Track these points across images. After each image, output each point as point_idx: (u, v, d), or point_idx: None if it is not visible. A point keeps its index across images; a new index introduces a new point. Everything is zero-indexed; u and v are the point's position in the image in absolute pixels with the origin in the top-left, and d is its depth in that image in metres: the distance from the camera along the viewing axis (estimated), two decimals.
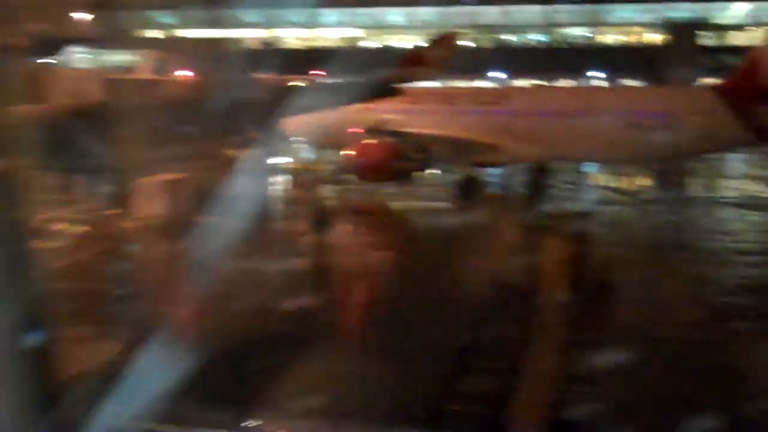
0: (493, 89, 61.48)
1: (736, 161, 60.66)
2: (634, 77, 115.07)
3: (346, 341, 21.88)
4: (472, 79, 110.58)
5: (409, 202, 43.59)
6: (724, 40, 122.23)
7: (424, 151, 44.02)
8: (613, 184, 51.64)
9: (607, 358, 19.73)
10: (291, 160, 56.19)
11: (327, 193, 46.85)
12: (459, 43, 55.92)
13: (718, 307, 24.76)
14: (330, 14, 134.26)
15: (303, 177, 52.75)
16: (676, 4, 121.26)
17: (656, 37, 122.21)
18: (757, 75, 40.00)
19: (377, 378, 18.61)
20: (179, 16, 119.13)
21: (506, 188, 50.20)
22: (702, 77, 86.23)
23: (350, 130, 43.90)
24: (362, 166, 43.00)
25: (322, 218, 31.38)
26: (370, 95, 42.17)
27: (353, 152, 43.09)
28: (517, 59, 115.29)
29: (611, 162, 51.72)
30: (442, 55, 50.36)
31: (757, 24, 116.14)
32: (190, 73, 44.72)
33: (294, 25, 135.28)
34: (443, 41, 53.18)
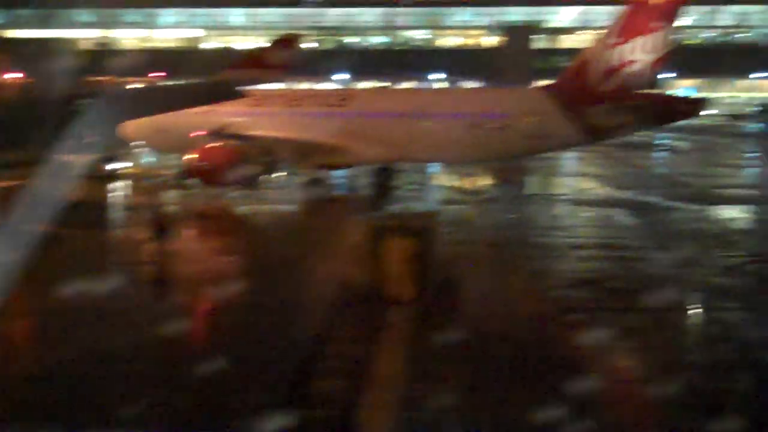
0: (337, 91, 61.60)
1: (570, 159, 63.52)
2: (473, 79, 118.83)
3: (190, 348, 21.41)
4: (315, 81, 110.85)
5: (254, 206, 43.06)
6: (556, 43, 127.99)
7: (269, 155, 43.63)
8: (456, 184, 52.97)
9: (451, 355, 20.18)
10: (131, 165, 54.63)
11: (169, 198, 45.75)
12: (301, 44, 55.74)
13: (553, 300, 25.74)
14: (169, 14, 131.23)
15: (144, 182, 51.36)
16: (510, 8, 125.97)
17: (493, 40, 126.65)
18: (585, 76, 41.94)
19: (220, 384, 18.29)
20: (6, 15, 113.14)
21: (352, 189, 50.51)
22: (537, 79, 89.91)
23: (193, 133, 42.97)
24: (205, 171, 42.12)
25: (163, 225, 30.51)
26: (212, 97, 41.36)
27: (196, 156, 42.19)
28: (360, 61, 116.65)
29: (454, 162, 53.07)
30: (284, 57, 50.08)
31: (587, 27, 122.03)
32: (20, 75, 42.62)
33: (131, 25, 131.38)
34: (285, 43, 52.85)
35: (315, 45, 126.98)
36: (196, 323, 24.12)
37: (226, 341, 22.01)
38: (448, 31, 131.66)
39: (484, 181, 54.14)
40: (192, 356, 20.29)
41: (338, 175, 52.98)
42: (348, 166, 48.56)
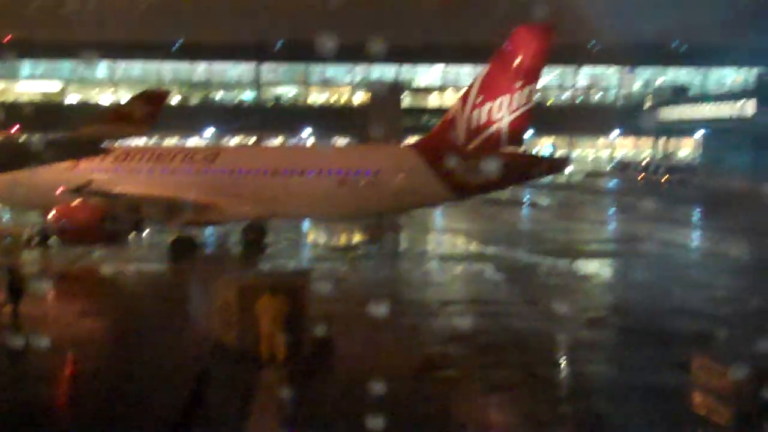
0: (204, 148, 61.27)
1: (439, 215, 64.85)
2: (342, 135, 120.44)
3: (53, 415, 20.44)
4: (181, 136, 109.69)
5: (119, 265, 41.87)
6: (425, 101, 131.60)
7: (135, 212, 42.72)
8: (327, 241, 53.13)
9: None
10: None
11: (28, 258, 43.95)
12: (167, 99, 55.13)
13: (425, 357, 25.99)
14: (28, 65, 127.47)
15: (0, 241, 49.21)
16: (379, 65, 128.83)
17: (362, 97, 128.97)
18: (451, 134, 43.09)
19: None
20: None
21: (222, 247, 49.94)
22: (405, 137, 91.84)
23: (55, 190, 41.71)
24: (66, 229, 40.87)
25: (18, 286, 29.07)
26: (73, 153, 40.25)
27: (56, 214, 40.87)
28: (228, 117, 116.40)
29: (324, 218, 53.35)
30: (149, 112, 49.39)
31: (455, 85, 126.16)
32: None
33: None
34: (150, 97, 52.09)
35: (181, 100, 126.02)
36: (53, 391, 23.03)
37: (89, 409, 21.11)
38: (317, 88, 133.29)
39: (355, 238, 54.53)
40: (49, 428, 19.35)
41: (208, 233, 52.31)
42: (218, 223, 48.03)
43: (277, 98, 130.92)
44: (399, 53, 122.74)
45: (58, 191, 41.43)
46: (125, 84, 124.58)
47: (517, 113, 42.08)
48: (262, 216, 46.40)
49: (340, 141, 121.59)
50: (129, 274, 40.29)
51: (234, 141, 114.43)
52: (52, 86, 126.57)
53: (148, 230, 50.30)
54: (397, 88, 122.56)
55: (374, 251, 48.80)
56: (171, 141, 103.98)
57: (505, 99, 41.93)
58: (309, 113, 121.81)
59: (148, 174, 46.84)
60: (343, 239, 53.63)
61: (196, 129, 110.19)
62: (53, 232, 42.16)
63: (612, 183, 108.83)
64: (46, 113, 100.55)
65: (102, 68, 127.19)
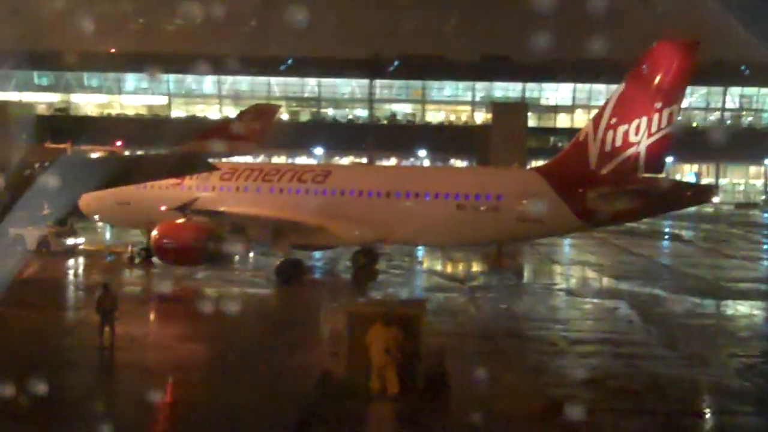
0: (315, 166, 62.37)
1: (566, 246, 64.04)
2: (461, 157, 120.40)
3: None
4: (291, 154, 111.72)
5: (224, 288, 42.89)
6: (552, 121, 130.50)
7: (241, 233, 43.76)
8: (443, 269, 53.17)
9: None
10: (82, 240, 54.55)
11: (130, 278, 45.60)
12: (276, 115, 56.35)
13: (551, 400, 25.60)
14: (132, 79, 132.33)
15: (102, 260, 51.24)
16: (502, 83, 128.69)
17: (483, 116, 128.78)
18: (582, 157, 42.49)
19: None
20: None
21: (331, 273, 50.62)
22: (530, 158, 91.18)
23: (158, 208, 43.22)
24: (170, 249, 42.12)
25: (111, 306, 30.02)
26: (179, 170, 41.67)
27: (159, 232, 42.23)
28: (339, 135, 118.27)
29: (441, 245, 53.42)
30: (257, 128, 50.58)
31: (585, 106, 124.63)
32: None
33: (92, 89, 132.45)
34: (258, 112, 53.40)
35: (291, 116, 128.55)
36: (157, 420, 23.72)
37: None
38: (435, 106, 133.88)
39: (474, 267, 54.39)
40: None
41: (316, 257, 53.11)
42: (327, 247, 48.70)
43: (392, 115, 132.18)
44: (524, 71, 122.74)
45: (162, 209, 42.92)
46: (232, 99, 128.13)
47: (656, 137, 41.17)
48: (373, 240, 46.80)
49: (459, 163, 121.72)
50: (233, 297, 41.16)
51: (345, 160, 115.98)
52: (157, 101, 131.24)
53: (253, 252, 51.50)
54: (521, 107, 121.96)
55: (495, 282, 48.56)
56: (280, 159, 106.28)
57: (642, 121, 41.11)
58: (425, 132, 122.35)
59: (255, 193, 47.89)
60: (460, 268, 53.57)
61: (306, 147, 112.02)
62: (156, 251, 43.47)
63: (767, 215, 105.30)
64: (150, 128, 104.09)
65: (209, 82, 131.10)
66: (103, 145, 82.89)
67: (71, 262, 50.48)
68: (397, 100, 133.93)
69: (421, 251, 57.57)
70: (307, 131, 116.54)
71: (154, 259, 45.90)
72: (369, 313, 25.60)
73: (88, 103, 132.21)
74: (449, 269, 53.21)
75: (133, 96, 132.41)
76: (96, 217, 52.95)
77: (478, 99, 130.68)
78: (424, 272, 52.34)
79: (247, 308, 38.07)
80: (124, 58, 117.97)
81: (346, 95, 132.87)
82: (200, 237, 41.75)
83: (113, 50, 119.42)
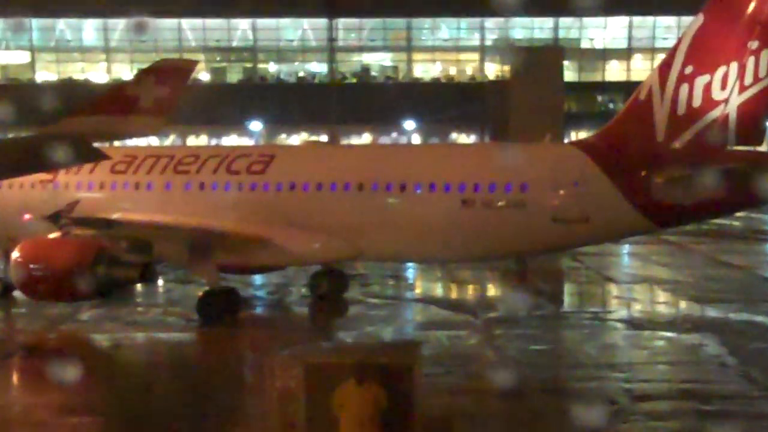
0: (251, 149, 61.85)
1: (625, 255, 64.14)
2: (466, 129, 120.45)
3: None
4: (214, 133, 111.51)
5: (122, 333, 42.76)
6: (599, 73, 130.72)
7: (144, 250, 43.51)
8: (444, 295, 53.16)
9: None
10: None
11: None
12: (191, 75, 55.88)
13: None
14: None
15: None
16: (524, 19, 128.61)
17: (497, 69, 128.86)
18: (645, 125, 42.43)
19: None
20: None
21: (278, 305, 50.62)
22: (569, 128, 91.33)
23: (20, 218, 42.99)
24: (38, 278, 41.74)
25: None
26: (49, 160, 41.35)
27: (23, 253, 41.90)
28: (286, 101, 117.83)
29: (440, 260, 53.35)
30: (164, 95, 50.16)
31: (644, 49, 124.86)
32: None
33: None
34: (165, 72, 52.93)
35: (214, 76, 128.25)
36: None
37: None
38: (425, 55, 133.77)
39: (490, 291, 54.44)
40: None
41: (257, 283, 53.01)
42: (273, 267, 48.68)
43: (363, 71, 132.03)
44: (557, 1, 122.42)
45: (25, 218, 42.61)
46: (126, 54, 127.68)
47: (752, 91, 41.31)
48: (340, 257, 46.73)
49: (463, 138, 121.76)
50: (134, 346, 40.89)
51: (296, 139, 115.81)
52: (15, 57, 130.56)
53: (163, 279, 51.29)
54: (554, 52, 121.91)
55: (520, 312, 48.59)
56: (198, 140, 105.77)
57: (731, 69, 41.25)
58: (413, 94, 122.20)
59: (163, 191, 47.78)
60: (470, 293, 53.63)
61: (237, 120, 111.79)
62: (18, 282, 43.11)
63: None
64: (5, 98, 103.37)
65: (90, 29, 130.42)
66: None
67: None
68: (371, 48, 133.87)
69: (411, 270, 57.51)
70: (239, 97, 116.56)
71: (16, 294, 45.61)
72: (336, 364, 25.46)
73: None
74: (453, 295, 53.35)
75: None
76: None
77: (489, 43, 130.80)
78: (417, 301, 52.39)
79: (157, 362, 37.88)
80: None
81: (294, 42, 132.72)
82: (85, 258, 41.44)
83: None
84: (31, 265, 41.50)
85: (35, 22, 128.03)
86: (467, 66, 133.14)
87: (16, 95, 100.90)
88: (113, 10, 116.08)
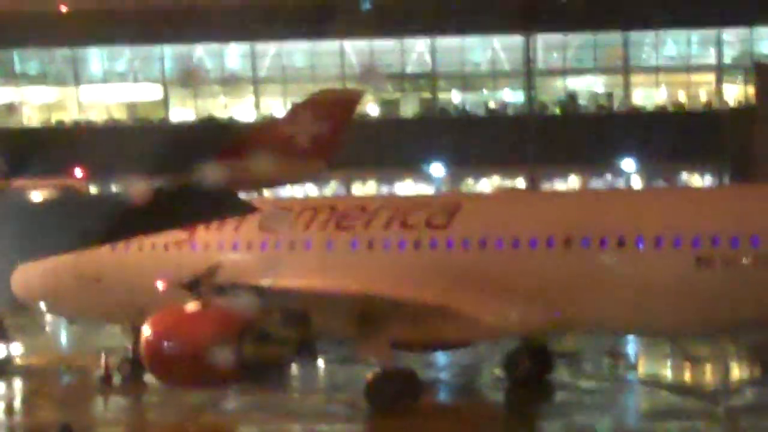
0: (431, 199, 62.18)
1: None
2: (700, 168, 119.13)
3: None
4: (384, 178, 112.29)
5: (275, 425, 43.34)
6: None
7: (300, 324, 44.00)
8: (676, 377, 52.70)
9: None
10: (19, 349, 55.48)
11: (103, 414, 46.26)
12: (356, 107, 56.52)
13: None
14: (99, 57, 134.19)
15: (55, 382, 52.16)
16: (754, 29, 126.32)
17: (740, 92, 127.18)
18: None
19: None
20: None
21: (469, 389, 50.69)
22: None
23: (152, 285, 43.79)
24: (174, 358, 42.50)
25: None
26: (187, 215, 42.20)
27: (155, 329, 42.64)
28: (472, 137, 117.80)
29: (669, 332, 52.53)
30: (324, 133, 50.97)
31: None
32: None
33: (29, 79, 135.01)
34: (326, 106, 53.64)
35: (384, 109, 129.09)
36: None
37: None
38: (647, 77, 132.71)
39: (735, 372, 53.78)
40: None
41: (439, 364, 53.14)
42: (460, 343, 48.73)
43: (569, 98, 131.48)
44: None
45: (158, 286, 43.37)
46: (277, 84, 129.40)
47: None
48: (543, 329, 46.60)
49: (696, 180, 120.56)
50: None
51: (486, 184, 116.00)
52: (146, 92, 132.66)
53: (324, 358, 51.73)
54: None
55: None
56: (365, 188, 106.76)
57: None
58: (632, 126, 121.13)
59: (323, 250, 48.30)
60: (708, 374, 53.05)
61: (413, 162, 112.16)
62: (149, 364, 43.83)
63: None
64: (134, 142, 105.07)
65: (234, 56, 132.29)
66: (53, 176, 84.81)
67: (0, 386, 51.54)
68: (578, 71, 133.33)
69: (632, 345, 57.10)
70: (415, 134, 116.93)
71: (147, 378, 46.38)
72: None
73: (22, 103, 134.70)
74: (687, 377, 52.69)
75: (99, 87, 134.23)
76: (42, 305, 53.88)
77: (728, 60, 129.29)
78: (641, 383, 51.92)
79: None
80: (85, 19, 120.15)
81: (482, 66, 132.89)
82: (228, 334, 42.03)
83: (64, 6, 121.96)
84: (165, 343, 42.21)
85: (168, 50, 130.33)
86: (700, 89, 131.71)
87: (146, 137, 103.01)
88: (261, 33, 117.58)
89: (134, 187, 37.00)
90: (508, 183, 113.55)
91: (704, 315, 45.05)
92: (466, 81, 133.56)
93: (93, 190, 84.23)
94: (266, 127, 58.72)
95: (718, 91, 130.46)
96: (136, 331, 44.90)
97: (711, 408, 45.88)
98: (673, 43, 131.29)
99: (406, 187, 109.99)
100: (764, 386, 51.09)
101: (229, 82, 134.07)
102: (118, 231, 39.97)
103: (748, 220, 44.45)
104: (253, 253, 48.43)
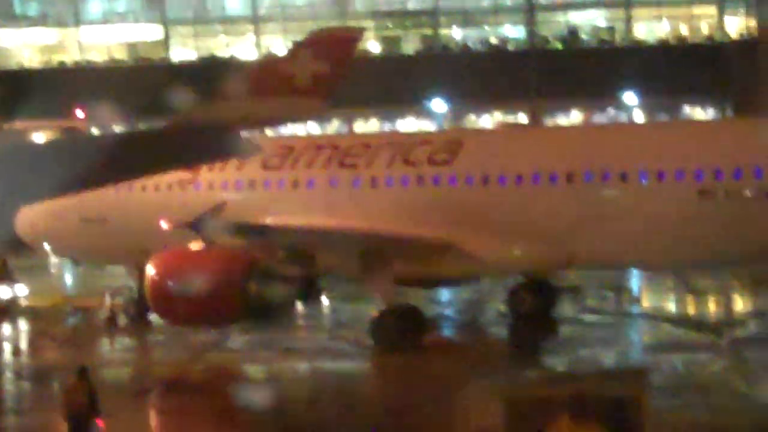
0: (433, 135, 61.96)
1: None
2: (701, 102, 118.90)
3: None
4: (386, 115, 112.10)
5: (282, 363, 43.46)
6: None
7: (304, 263, 44.00)
8: (680, 310, 52.73)
9: None
10: (24, 290, 55.58)
11: (109, 352, 46.34)
12: (356, 45, 56.26)
13: None
14: (94, 2, 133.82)
15: (59, 323, 52.27)
16: None
17: (742, 26, 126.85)
18: None
19: None
20: None
21: (471, 325, 50.76)
22: None
23: (155, 225, 43.71)
24: (179, 298, 42.52)
25: (89, 406, 30.22)
26: (190, 155, 42.11)
27: (159, 269, 42.62)
28: (474, 73, 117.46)
29: (672, 266, 52.54)
30: (325, 71, 50.81)
31: None
32: None
33: (28, 20, 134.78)
34: (326, 43, 53.59)
35: (386, 46, 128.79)
36: None
37: None
38: (649, 11, 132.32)
39: (738, 305, 53.83)
40: None
41: (443, 299, 53.20)
42: (463, 280, 48.87)
43: (570, 33, 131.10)
44: None
45: (162, 226, 43.30)
46: (277, 23, 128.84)
47: None
48: (547, 264, 46.63)
49: (698, 113, 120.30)
50: (296, 379, 41.44)
51: (488, 121, 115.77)
52: (146, 32, 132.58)
53: (328, 296, 51.75)
54: None
55: None
56: (367, 126, 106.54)
57: None
58: (634, 60, 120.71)
59: (327, 189, 48.22)
60: (711, 307, 53.09)
61: (414, 99, 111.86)
62: (154, 304, 43.83)
63: None
64: (135, 82, 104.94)
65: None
66: (54, 117, 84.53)
67: (6, 328, 51.66)
68: (580, 5, 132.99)
69: (635, 279, 57.16)
70: (417, 71, 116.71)
71: (152, 317, 46.48)
72: (545, 398, 25.50)
73: (23, 46, 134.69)
74: (690, 310, 52.77)
75: (100, 27, 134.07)
76: (47, 247, 53.94)
77: None
78: (644, 317, 52.07)
79: (323, 399, 38.27)
80: None
81: (483, 2, 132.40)
82: (233, 273, 42.04)
83: None
84: (169, 283, 42.22)
85: None
86: (702, 22, 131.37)
87: (147, 78, 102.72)
88: None
89: (140, 128, 36.94)
90: (510, 119, 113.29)
91: (707, 248, 45.04)
92: (468, 17, 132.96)
93: (94, 130, 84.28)
94: (267, 65, 58.07)
95: (721, 24, 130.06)
96: (141, 272, 44.94)
97: (714, 340, 46.01)
98: None
99: (409, 124, 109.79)
100: (764, 318, 51.10)
101: (230, 22, 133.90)
102: (121, 172, 39.98)
103: (751, 152, 44.35)
104: (256, 192, 48.32)
